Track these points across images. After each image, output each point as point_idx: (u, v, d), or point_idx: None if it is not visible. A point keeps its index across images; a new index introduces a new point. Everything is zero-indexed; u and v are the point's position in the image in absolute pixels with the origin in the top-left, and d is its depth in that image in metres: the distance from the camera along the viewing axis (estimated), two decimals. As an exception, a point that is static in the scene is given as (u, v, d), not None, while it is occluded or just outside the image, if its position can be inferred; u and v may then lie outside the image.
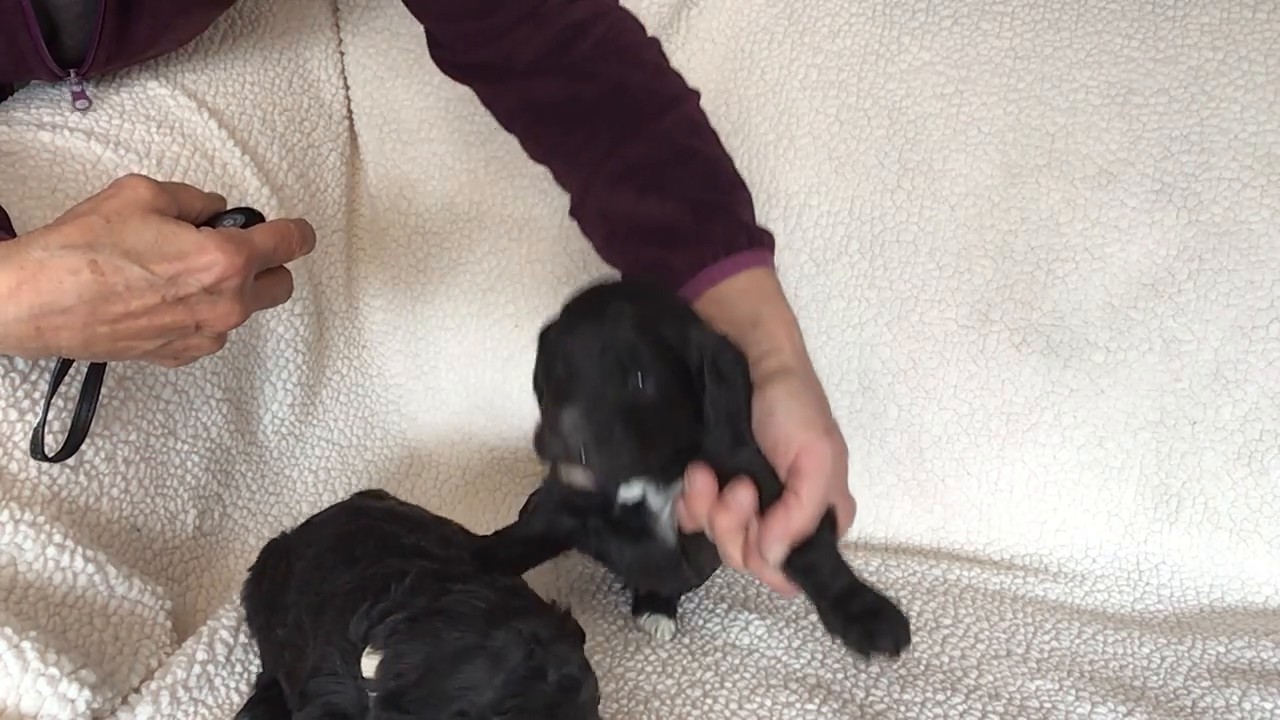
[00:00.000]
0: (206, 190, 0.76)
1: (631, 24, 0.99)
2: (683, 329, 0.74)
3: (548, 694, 0.63)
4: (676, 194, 0.88)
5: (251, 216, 0.76)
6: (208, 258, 0.68)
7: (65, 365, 0.77)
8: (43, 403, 0.77)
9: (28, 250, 0.64)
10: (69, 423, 0.79)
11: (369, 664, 0.65)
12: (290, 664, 0.76)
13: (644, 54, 0.97)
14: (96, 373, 0.78)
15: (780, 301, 0.84)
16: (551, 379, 0.74)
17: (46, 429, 0.77)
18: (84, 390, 0.78)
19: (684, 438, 0.74)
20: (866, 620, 0.71)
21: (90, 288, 0.65)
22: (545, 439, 0.71)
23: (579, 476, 0.72)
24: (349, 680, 0.67)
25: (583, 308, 0.75)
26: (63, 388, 0.78)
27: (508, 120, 1.02)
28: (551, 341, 0.75)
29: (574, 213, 0.97)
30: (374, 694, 0.64)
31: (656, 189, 0.89)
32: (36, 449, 0.77)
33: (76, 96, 0.97)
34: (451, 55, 1.02)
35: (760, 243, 0.88)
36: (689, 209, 0.88)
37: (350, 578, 0.75)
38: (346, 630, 0.68)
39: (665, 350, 0.72)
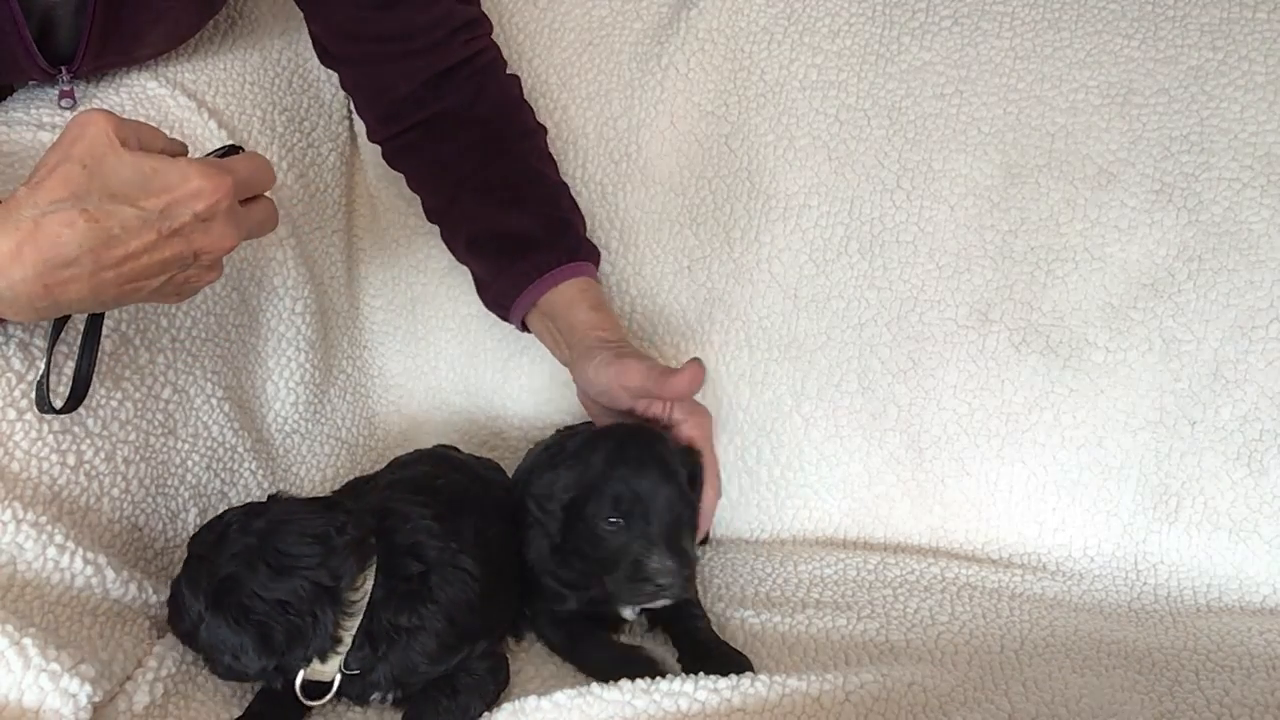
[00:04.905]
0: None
1: (501, 61, 1.14)
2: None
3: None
4: (532, 209, 1.06)
5: (229, 151, 0.77)
6: (193, 185, 0.68)
7: (64, 316, 0.76)
8: (43, 358, 0.76)
9: (19, 211, 0.65)
10: (71, 378, 0.78)
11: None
12: None
13: (511, 89, 1.13)
14: (94, 322, 0.77)
15: (607, 306, 1.06)
16: (617, 518, 0.87)
17: (55, 377, 0.77)
18: (83, 342, 0.77)
19: None
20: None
21: (89, 236, 0.65)
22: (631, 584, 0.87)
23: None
24: None
25: (640, 455, 0.90)
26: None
27: (365, 108, 1.14)
28: (609, 483, 0.88)
29: (434, 218, 1.12)
30: None
31: (516, 204, 1.06)
32: (42, 402, 0.77)
33: (63, 95, 0.97)
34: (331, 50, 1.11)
35: (592, 257, 1.08)
36: (542, 222, 1.06)
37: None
38: None
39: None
